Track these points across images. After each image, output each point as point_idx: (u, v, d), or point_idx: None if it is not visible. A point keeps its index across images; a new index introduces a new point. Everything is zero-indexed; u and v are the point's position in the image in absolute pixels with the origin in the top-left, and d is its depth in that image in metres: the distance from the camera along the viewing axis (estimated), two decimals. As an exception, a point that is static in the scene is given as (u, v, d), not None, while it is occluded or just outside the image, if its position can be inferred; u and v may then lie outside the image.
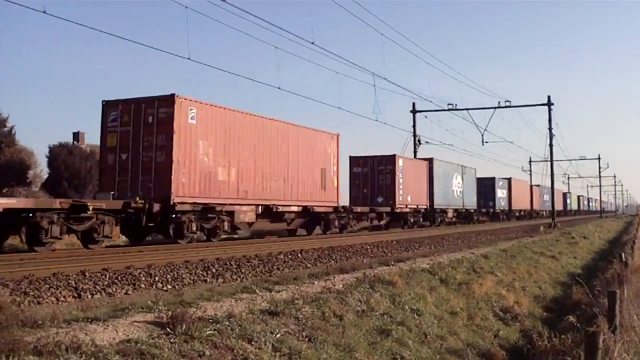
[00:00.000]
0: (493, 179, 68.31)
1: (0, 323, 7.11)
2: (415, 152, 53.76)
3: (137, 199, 20.91)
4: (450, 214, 52.36)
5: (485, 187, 66.03)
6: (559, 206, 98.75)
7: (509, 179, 75.02)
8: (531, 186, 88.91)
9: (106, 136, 23.42)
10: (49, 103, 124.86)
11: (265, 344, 8.72)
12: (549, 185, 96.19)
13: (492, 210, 68.08)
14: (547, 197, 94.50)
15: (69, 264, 14.50)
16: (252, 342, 8.60)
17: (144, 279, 12.89)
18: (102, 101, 23.36)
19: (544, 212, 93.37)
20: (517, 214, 78.88)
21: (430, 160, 48.79)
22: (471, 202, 58.45)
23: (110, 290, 11.57)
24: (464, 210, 56.49)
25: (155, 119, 22.64)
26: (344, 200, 38.46)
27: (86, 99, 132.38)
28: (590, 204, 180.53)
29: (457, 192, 53.98)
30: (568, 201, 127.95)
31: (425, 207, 46.83)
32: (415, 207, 44.87)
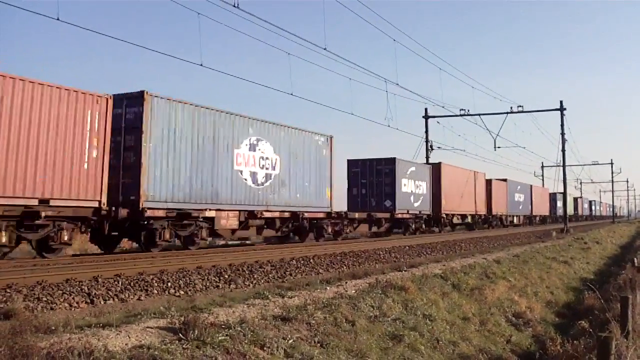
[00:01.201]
0: (392, 160, 39.72)
1: (13, 329, 7.16)
2: (427, 158, 53.62)
3: None
4: (227, 222, 24.60)
5: (377, 175, 39.69)
6: (540, 210, 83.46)
7: (436, 165, 47.15)
8: (489, 181, 58.77)
9: None
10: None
11: (277, 350, 8.74)
12: (524, 181, 76.53)
13: (388, 215, 38.61)
14: (520, 197, 72.03)
15: (81, 269, 14.56)
16: (265, 348, 8.62)
17: (156, 284, 12.93)
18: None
19: (514, 218, 69.44)
20: (453, 221, 49.60)
21: (136, 97, 21.62)
22: (308, 197, 29.93)
23: (123, 296, 11.61)
24: (285, 213, 28.22)
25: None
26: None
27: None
28: (594, 207, 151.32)
29: (254, 177, 26.26)
30: (559, 204, 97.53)
31: (98, 205, 19.42)
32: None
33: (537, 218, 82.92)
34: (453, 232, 48.66)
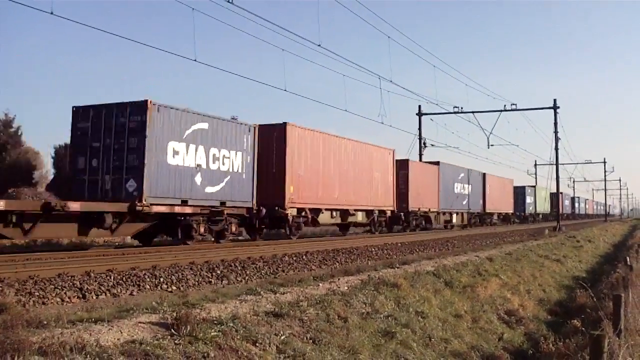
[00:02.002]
0: (142, 105, 21.56)
1: (5, 323, 7.12)
2: (420, 155, 53.65)
3: None
4: None
5: (118, 134, 21.80)
6: (500, 206, 65.43)
7: (274, 128, 28.64)
8: (403, 162, 41.92)
9: None
10: (54, 103, 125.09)
11: (269, 346, 8.72)
12: (468, 167, 55.38)
13: (126, 207, 20.35)
14: (465, 188, 53.65)
15: (73, 264, 14.53)
16: (257, 344, 8.60)
17: (148, 280, 12.95)
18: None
19: (454, 216, 51.22)
20: (319, 220, 31.19)
21: None
22: None
23: (115, 291, 11.62)
24: None
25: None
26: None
27: (90, 99, 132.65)
28: (578, 205, 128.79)
29: None
30: (528, 200, 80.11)
31: None
32: None
33: (496, 216, 65.49)
34: (324, 238, 33.63)
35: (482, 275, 19.57)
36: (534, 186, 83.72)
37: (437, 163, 48.14)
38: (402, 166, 41.36)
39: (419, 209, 43.33)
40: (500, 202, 65.65)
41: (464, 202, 53.82)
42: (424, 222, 45.00)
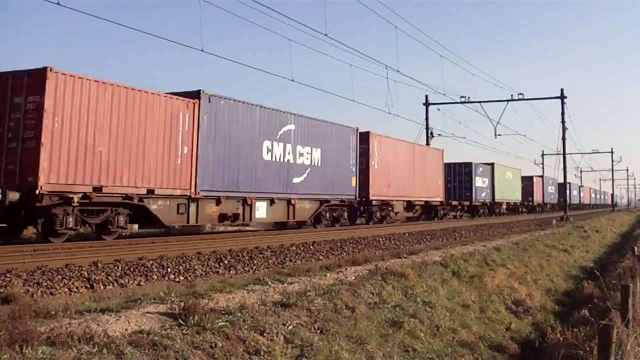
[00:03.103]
0: None
1: (13, 313, 7.14)
2: (427, 145, 53.50)
3: None
4: None
5: None
6: (412, 191, 39.17)
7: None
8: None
9: None
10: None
11: (277, 336, 8.72)
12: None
13: None
14: (301, 156, 27.61)
15: (81, 254, 14.56)
16: (264, 334, 8.60)
17: (156, 270, 12.95)
18: None
19: (266, 204, 25.59)
20: None
21: None
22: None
23: (123, 282, 11.64)
24: None
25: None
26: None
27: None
28: (569, 193, 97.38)
29: None
30: (480, 183, 55.01)
31: None
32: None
33: (402, 206, 38.91)
34: None
35: (489, 265, 19.54)
36: (492, 164, 59.22)
37: (197, 94, 22.41)
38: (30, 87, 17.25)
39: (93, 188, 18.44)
40: (412, 184, 39.91)
41: (299, 180, 28.12)
42: (122, 220, 19.81)
